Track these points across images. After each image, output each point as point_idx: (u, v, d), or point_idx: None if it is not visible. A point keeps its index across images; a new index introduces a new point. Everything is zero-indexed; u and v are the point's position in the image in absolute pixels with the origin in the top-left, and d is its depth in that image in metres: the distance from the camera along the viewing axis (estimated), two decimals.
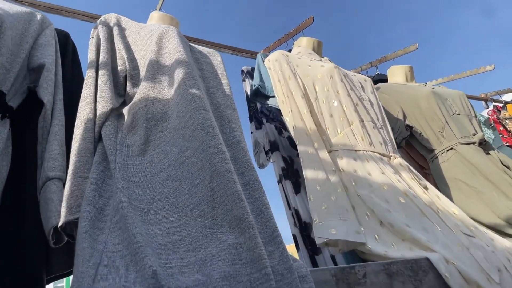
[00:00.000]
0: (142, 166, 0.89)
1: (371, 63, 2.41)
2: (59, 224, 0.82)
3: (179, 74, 1.04)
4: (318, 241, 0.97)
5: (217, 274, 0.59)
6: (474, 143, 1.61)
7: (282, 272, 0.65)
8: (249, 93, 1.77)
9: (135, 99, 1.05)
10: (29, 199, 1.00)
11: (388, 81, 2.10)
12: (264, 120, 1.69)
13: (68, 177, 0.88)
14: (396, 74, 2.07)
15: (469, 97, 3.22)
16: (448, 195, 1.53)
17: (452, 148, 1.62)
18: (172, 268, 0.62)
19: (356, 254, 1.03)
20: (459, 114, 1.74)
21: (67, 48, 1.41)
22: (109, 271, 0.57)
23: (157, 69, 1.11)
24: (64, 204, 0.84)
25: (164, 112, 1.01)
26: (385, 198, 1.06)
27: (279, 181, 1.66)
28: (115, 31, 1.27)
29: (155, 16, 1.46)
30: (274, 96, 1.43)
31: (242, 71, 1.96)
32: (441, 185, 1.58)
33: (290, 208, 1.55)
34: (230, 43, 2.05)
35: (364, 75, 2.50)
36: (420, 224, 0.99)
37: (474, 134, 1.66)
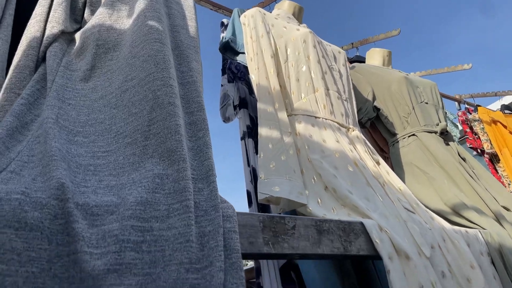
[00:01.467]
0: (83, 91, 0.83)
1: (352, 43, 2.38)
2: None
3: (140, 4, 0.98)
4: (260, 197, 0.95)
5: (132, 198, 0.56)
6: (436, 132, 1.62)
7: (206, 209, 0.62)
8: None
9: (89, 24, 0.98)
10: None
11: (366, 63, 2.08)
12: (225, 83, 1.65)
13: (1, 92, 0.82)
14: (374, 57, 2.05)
15: (444, 96, 3.27)
16: (402, 179, 1.54)
17: (413, 135, 1.63)
18: (87, 187, 0.58)
19: (297, 215, 1.02)
20: (427, 103, 1.74)
21: None
22: (12, 177, 0.53)
23: None
24: None
25: (118, 41, 0.94)
26: (334, 165, 1.05)
27: (242, 138, 1.63)
28: None
29: None
30: (243, 53, 1.38)
31: (222, 22, 1.89)
32: (397, 169, 1.59)
33: (248, 165, 1.54)
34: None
35: None
36: (363, 193, 0.99)
37: (438, 124, 1.67)
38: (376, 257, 0.82)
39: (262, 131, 1.10)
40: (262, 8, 2.00)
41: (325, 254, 0.73)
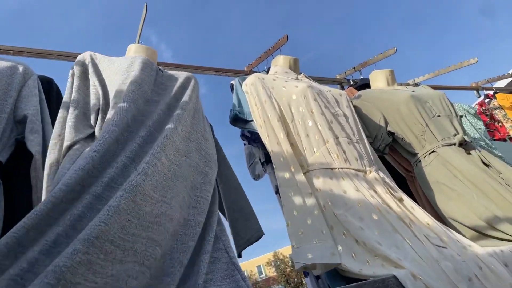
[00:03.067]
0: None
1: (354, 68, 2.45)
2: None
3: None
4: (297, 266, 1.02)
5: None
6: (454, 144, 1.64)
7: None
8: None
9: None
10: None
11: (371, 87, 2.14)
12: (246, 142, 1.75)
13: None
14: (377, 78, 2.11)
15: (460, 88, 3.24)
16: (432, 198, 1.57)
17: (433, 151, 1.66)
18: None
19: (337, 272, 1.08)
20: (439, 116, 1.77)
21: (51, 94, 1.47)
22: None
23: (119, 97, 1.16)
24: None
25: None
26: (359, 216, 1.11)
27: (276, 192, 1.70)
28: (90, 69, 1.31)
29: (132, 48, 1.51)
30: (253, 120, 1.48)
31: (232, 84, 2.01)
32: (426, 189, 1.62)
33: None
34: (214, 65, 2.10)
35: (349, 79, 2.55)
36: (391, 241, 1.04)
37: (455, 135, 1.69)
38: None
39: (285, 199, 1.18)
40: (260, 62, 2.13)
41: None
